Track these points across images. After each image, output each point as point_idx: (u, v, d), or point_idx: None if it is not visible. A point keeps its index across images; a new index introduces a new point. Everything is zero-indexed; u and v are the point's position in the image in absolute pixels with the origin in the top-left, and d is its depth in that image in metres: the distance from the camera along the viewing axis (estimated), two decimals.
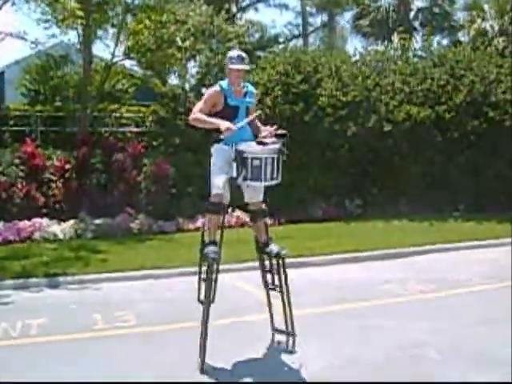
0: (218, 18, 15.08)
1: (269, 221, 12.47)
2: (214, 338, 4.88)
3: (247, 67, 4.96)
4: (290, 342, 5.21)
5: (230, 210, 12.42)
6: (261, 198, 5.18)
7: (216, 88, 4.98)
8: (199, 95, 14.84)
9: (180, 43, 15.20)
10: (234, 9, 23.03)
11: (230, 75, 4.93)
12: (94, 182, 12.54)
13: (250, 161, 4.59)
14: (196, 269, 8.58)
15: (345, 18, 24.21)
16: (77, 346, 5.30)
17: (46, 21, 13.12)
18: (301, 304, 6.05)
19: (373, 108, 13.72)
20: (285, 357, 4.99)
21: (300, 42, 22.33)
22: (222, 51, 14.73)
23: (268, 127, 5.03)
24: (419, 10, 24.49)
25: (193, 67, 17.60)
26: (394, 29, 21.21)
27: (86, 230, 11.17)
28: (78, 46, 15.52)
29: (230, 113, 4.90)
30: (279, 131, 4.98)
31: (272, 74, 13.95)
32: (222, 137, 4.75)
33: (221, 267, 8.56)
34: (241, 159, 4.60)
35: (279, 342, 5.32)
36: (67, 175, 12.33)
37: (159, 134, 15.36)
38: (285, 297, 5.24)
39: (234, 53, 5.03)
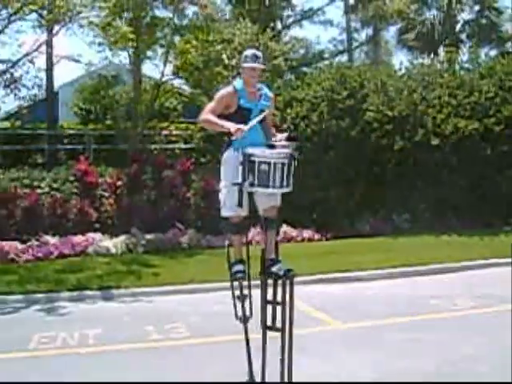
0: (263, 36, 15.33)
1: (316, 235, 12.90)
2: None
3: (262, 66, 4.56)
4: None
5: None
6: (276, 203, 4.48)
7: (229, 88, 4.58)
8: None
9: (226, 61, 15.51)
10: (279, 26, 23.32)
11: (244, 75, 4.53)
12: (144, 198, 12.87)
13: (257, 165, 4.17)
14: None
15: (390, 33, 24.17)
16: (131, 356, 5.51)
17: (99, 44, 13.65)
18: (350, 318, 6.12)
19: (420, 122, 13.64)
20: None
21: (345, 57, 22.39)
22: (268, 69, 14.96)
23: (282, 134, 4.61)
24: (466, 22, 24.23)
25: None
26: (440, 42, 21.07)
27: (138, 245, 11.49)
28: (129, 67, 16.08)
29: (242, 115, 4.44)
30: (291, 134, 4.63)
31: (317, 90, 14.07)
32: (233, 138, 4.30)
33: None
34: (248, 163, 4.19)
35: None
36: (119, 191, 12.73)
37: (207, 151, 15.65)
38: (286, 338, 4.25)
39: (248, 51, 4.66)
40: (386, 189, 13.61)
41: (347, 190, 13.46)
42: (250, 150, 4.20)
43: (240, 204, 4.27)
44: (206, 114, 4.43)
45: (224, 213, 4.43)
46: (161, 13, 16.78)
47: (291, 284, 4.26)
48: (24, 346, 5.85)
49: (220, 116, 4.44)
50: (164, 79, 16.50)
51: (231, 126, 4.25)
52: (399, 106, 13.66)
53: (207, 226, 12.85)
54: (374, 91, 13.98)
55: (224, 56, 15.54)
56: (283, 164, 4.19)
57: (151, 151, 15.75)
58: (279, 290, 4.31)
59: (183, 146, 16.92)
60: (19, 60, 13.36)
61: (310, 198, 13.41)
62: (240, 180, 4.21)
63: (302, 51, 22.82)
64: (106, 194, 12.71)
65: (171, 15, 16.49)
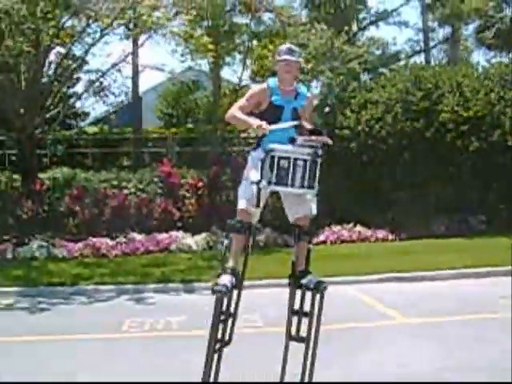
0: (337, 40, 15.62)
1: (390, 236, 13.06)
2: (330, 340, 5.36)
3: (298, 59, 4.15)
4: None
5: (351, 225, 13.19)
6: (308, 212, 4.13)
7: (263, 85, 4.31)
8: (321, 114, 15.48)
9: (303, 65, 15.89)
10: (354, 28, 23.44)
11: (279, 70, 4.22)
12: (224, 198, 13.53)
13: (276, 161, 3.79)
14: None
15: (468, 31, 23.72)
16: (202, 345, 6.05)
17: (182, 55, 14.47)
18: (418, 314, 6.38)
19: (496, 122, 13.51)
20: None
21: (422, 57, 22.22)
22: (343, 72, 15.25)
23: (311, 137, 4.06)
24: None
25: (315, 87, 18.31)
26: None
27: (217, 242, 12.13)
28: (208, 72, 16.84)
29: (273, 113, 4.11)
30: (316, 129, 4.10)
31: (392, 92, 14.22)
32: (259, 134, 4.02)
33: (340, 279, 9.21)
34: (269, 159, 3.81)
35: None
36: (200, 192, 13.44)
37: None
38: (310, 352, 3.97)
39: (283, 46, 4.31)
40: (461, 190, 13.55)
41: (422, 190, 13.50)
42: (271, 145, 3.84)
43: (258, 204, 3.89)
44: (234, 111, 4.18)
45: (240, 205, 4.04)
46: (238, 20, 17.49)
47: (321, 297, 4.02)
48: (117, 329, 6.59)
49: (252, 114, 4.17)
50: (242, 84, 17.16)
51: (254, 122, 4.00)
52: (475, 107, 13.59)
53: (283, 226, 13.31)
54: (449, 92, 13.97)
55: (301, 59, 15.95)
56: (305, 161, 3.82)
57: (230, 153, 16.41)
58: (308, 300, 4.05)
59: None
60: (108, 70, 14.34)
61: (385, 199, 13.61)
62: (258, 178, 3.85)
63: (377, 52, 22.82)
64: (188, 195, 13.44)
65: (248, 21, 17.15)
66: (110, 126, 20.48)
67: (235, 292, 3.96)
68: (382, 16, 22.85)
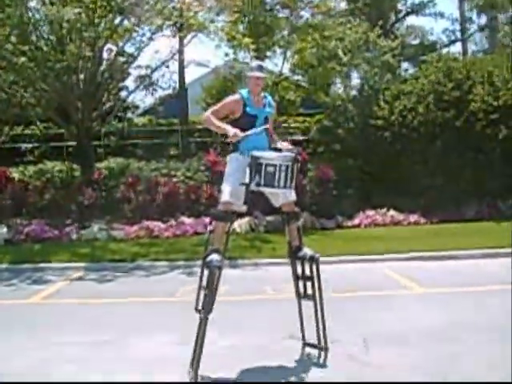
0: (372, 33, 16.34)
1: (422, 220, 13.78)
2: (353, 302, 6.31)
3: (265, 75, 5.10)
4: (322, 356, 4.97)
5: (384, 209, 13.99)
6: (291, 198, 5.02)
7: (236, 96, 5.02)
8: (357, 105, 16.28)
9: (342, 56, 16.63)
10: (392, 18, 23.97)
11: (250, 83, 5.02)
12: None
13: (264, 167, 4.58)
14: (347, 257, 10.16)
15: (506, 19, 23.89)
16: (253, 304, 7.16)
17: (226, 54, 15.51)
18: (434, 285, 7.24)
19: None
20: (312, 371, 4.75)
21: (459, 47, 22.67)
22: (378, 64, 15.99)
23: (284, 143, 5.10)
24: None
25: (353, 78, 19.08)
26: None
27: (259, 225, 13.20)
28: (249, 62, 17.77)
29: (248, 121, 4.90)
30: (296, 138, 5.35)
31: (424, 84, 14.92)
32: (231, 140, 4.83)
33: (370, 257, 10.14)
34: (255, 165, 4.58)
35: (309, 355, 5.10)
36: None
37: (322, 142, 16.97)
38: (318, 306, 5.00)
39: (254, 63, 5.29)
40: (490, 176, 14.18)
41: (453, 177, 14.21)
42: (257, 153, 4.62)
43: (246, 201, 4.77)
44: (210, 114, 4.93)
45: (224, 198, 4.82)
46: (278, 14, 18.36)
47: (317, 264, 4.97)
48: (173, 295, 7.75)
49: (228, 121, 4.96)
50: (282, 77, 18.09)
51: (230, 130, 4.76)
52: (505, 96, 14.16)
53: (321, 210, 14.27)
54: (480, 82, 14.57)
55: (340, 51, 16.71)
56: (287, 166, 4.61)
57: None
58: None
59: (301, 137, 18.35)
60: (158, 67, 15.49)
61: (418, 185, 14.37)
62: (247, 181, 4.62)
63: (415, 42, 23.33)
64: None
65: (288, 15, 18.02)
66: (158, 117, 21.61)
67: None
68: (419, 7, 23.32)
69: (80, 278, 9.47)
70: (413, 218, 14.07)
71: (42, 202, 14.04)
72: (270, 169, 4.59)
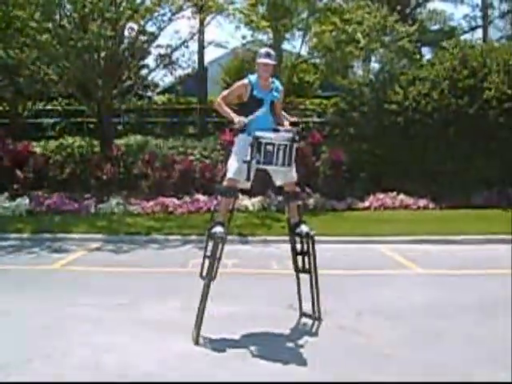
0: (390, 18, 16.43)
1: (431, 205, 14.01)
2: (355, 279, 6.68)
3: (273, 62, 5.31)
4: (315, 326, 5.44)
5: (394, 193, 14.25)
6: (292, 179, 5.35)
7: (244, 81, 5.35)
8: (374, 89, 16.44)
9: (361, 40, 16.74)
10: (413, 2, 23.86)
11: (258, 69, 5.33)
12: None
13: (263, 146, 4.90)
14: (354, 238, 10.50)
15: None
16: (257, 277, 7.58)
17: (243, 37, 15.73)
18: (432, 267, 7.57)
19: None
20: (304, 339, 5.11)
21: (480, 33, 22.59)
22: (394, 49, 16.13)
23: (287, 123, 5.36)
24: None
25: (372, 62, 19.19)
26: None
27: (271, 205, 13.57)
28: (269, 43, 17.97)
29: (255, 104, 5.23)
30: (292, 119, 5.36)
31: (439, 70, 15.06)
32: (236, 127, 5.17)
33: (377, 238, 10.47)
34: (256, 144, 4.91)
35: (304, 324, 5.53)
36: None
37: (338, 125, 17.18)
38: (313, 279, 5.44)
39: (262, 50, 5.48)
40: (502, 164, 14.33)
41: (464, 164, 14.39)
42: (258, 133, 4.96)
43: (248, 178, 5.08)
44: (220, 100, 5.34)
45: (229, 175, 5.18)
46: None
47: (312, 240, 5.37)
48: (184, 267, 8.20)
49: (238, 104, 5.34)
50: (301, 59, 18.28)
51: (235, 117, 5.16)
52: None
53: (332, 192, 14.57)
54: (495, 70, 14.66)
55: (359, 35, 16.83)
56: (285, 145, 4.94)
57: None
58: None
59: (317, 119, 18.59)
60: (178, 47, 15.81)
61: (429, 170, 14.59)
62: (248, 158, 4.96)
63: (435, 27, 23.28)
64: None
65: None
66: (177, 96, 21.94)
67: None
68: None
69: (97, 249, 9.99)
70: (422, 202, 14.31)
71: (63, 176, 14.57)
72: (269, 147, 4.92)
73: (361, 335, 5.19)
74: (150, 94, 23.07)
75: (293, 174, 5.33)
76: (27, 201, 13.30)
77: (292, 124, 5.27)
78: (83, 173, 14.60)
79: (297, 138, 5.04)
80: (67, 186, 14.17)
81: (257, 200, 13.71)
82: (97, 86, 14.98)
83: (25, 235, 10.98)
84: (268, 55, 5.34)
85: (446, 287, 7.10)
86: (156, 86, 23.17)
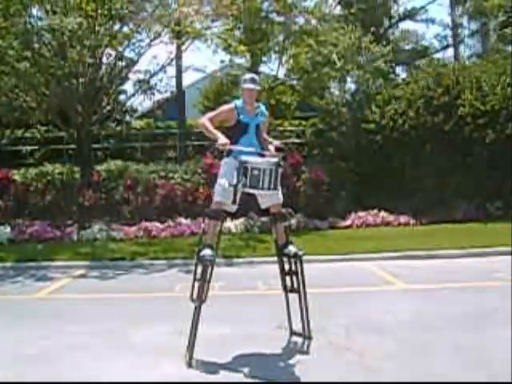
0: (365, 39, 16.79)
1: (411, 221, 14.22)
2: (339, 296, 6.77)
3: (258, 87, 5.50)
4: (306, 344, 5.46)
5: (375, 211, 14.44)
6: (278, 201, 5.44)
7: (231, 105, 5.51)
8: (352, 109, 16.75)
9: (337, 61, 17.04)
10: (386, 23, 24.39)
11: (243, 94, 5.50)
12: None
13: (249, 170, 5.00)
14: (338, 256, 10.58)
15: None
16: (245, 298, 7.61)
17: (222, 61, 15.93)
18: (416, 282, 7.68)
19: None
20: (296, 357, 5.15)
21: (451, 52, 23.18)
22: (370, 70, 16.46)
23: (272, 147, 5.42)
24: None
25: (348, 83, 19.48)
26: None
27: (254, 226, 13.66)
28: (247, 68, 18.19)
29: (240, 129, 5.37)
30: (278, 145, 5.43)
31: (414, 89, 15.41)
32: (220, 148, 5.25)
33: (360, 256, 10.59)
34: (242, 168, 5.01)
35: (295, 343, 5.56)
36: None
37: (317, 145, 17.41)
38: (302, 299, 5.49)
39: (247, 75, 5.66)
40: (479, 179, 14.61)
41: (442, 179, 14.69)
42: (244, 158, 5.09)
43: (234, 201, 5.18)
44: (205, 120, 5.42)
45: (216, 198, 5.29)
46: (273, 19, 18.74)
47: (300, 261, 5.46)
48: (172, 291, 8.21)
49: (223, 128, 5.41)
50: (278, 81, 18.53)
51: (220, 138, 5.22)
52: (492, 101, 14.64)
53: (314, 211, 14.72)
54: (468, 87, 15.04)
55: (334, 56, 17.14)
56: (271, 170, 5.05)
57: None
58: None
59: (296, 140, 18.76)
60: (156, 73, 15.94)
61: (408, 187, 14.84)
62: (235, 182, 5.07)
63: (408, 47, 23.80)
64: None
65: (283, 21, 18.42)
66: (156, 120, 21.97)
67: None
68: (411, 13, 23.83)
69: (82, 276, 9.94)
70: (403, 218, 14.54)
71: (44, 203, 14.51)
72: (255, 172, 5.03)
73: (351, 351, 5.25)
74: (128, 119, 23.07)
75: (279, 196, 5.44)
76: (8, 229, 13.21)
77: (277, 150, 5.38)
78: (64, 200, 14.57)
79: (282, 162, 5.16)
80: (48, 214, 14.10)
81: (240, 222, 13.78)
82: (76, 113, 15.01)
83: (8, 264, 10.90)
84: (253, 81, 5.49)
85: (430, 301, 7.21)
86: (134, 111, 23.18)
